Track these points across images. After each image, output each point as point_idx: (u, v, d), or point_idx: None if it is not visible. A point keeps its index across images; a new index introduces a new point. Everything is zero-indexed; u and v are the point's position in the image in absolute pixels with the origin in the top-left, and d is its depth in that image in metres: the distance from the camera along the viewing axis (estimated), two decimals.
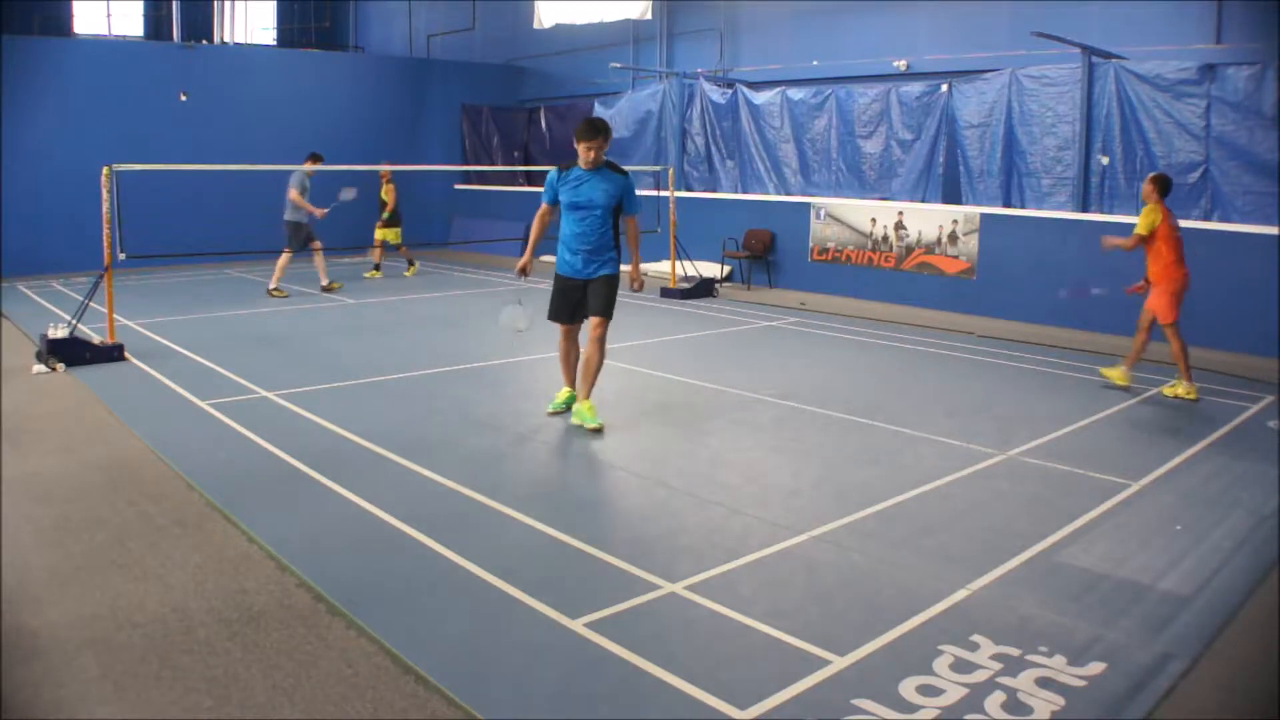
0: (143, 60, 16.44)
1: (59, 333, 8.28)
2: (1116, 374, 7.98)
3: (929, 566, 4.29)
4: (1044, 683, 3.32)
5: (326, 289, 12.98)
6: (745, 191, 14.86)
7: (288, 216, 12.52)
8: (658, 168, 15.05)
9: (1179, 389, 7.66)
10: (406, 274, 14.92)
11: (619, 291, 6.52)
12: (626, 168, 6.72)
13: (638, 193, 6.64)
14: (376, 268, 14.80)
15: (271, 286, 12.53)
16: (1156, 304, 7.72)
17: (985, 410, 7.12)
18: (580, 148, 6.25)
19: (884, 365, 8.76)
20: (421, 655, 3.45)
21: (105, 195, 8.41)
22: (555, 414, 6.75)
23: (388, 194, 14.48)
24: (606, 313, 6.47)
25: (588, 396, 6.51)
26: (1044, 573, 4.24)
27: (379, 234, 14.68)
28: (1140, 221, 7.64)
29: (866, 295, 12.66)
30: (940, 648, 3.53)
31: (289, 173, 12.64)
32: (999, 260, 11.46)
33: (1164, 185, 7.73)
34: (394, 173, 14.65)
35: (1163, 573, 4.27)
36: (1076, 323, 10.56)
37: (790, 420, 6.72)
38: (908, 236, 12.35)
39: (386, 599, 3.93)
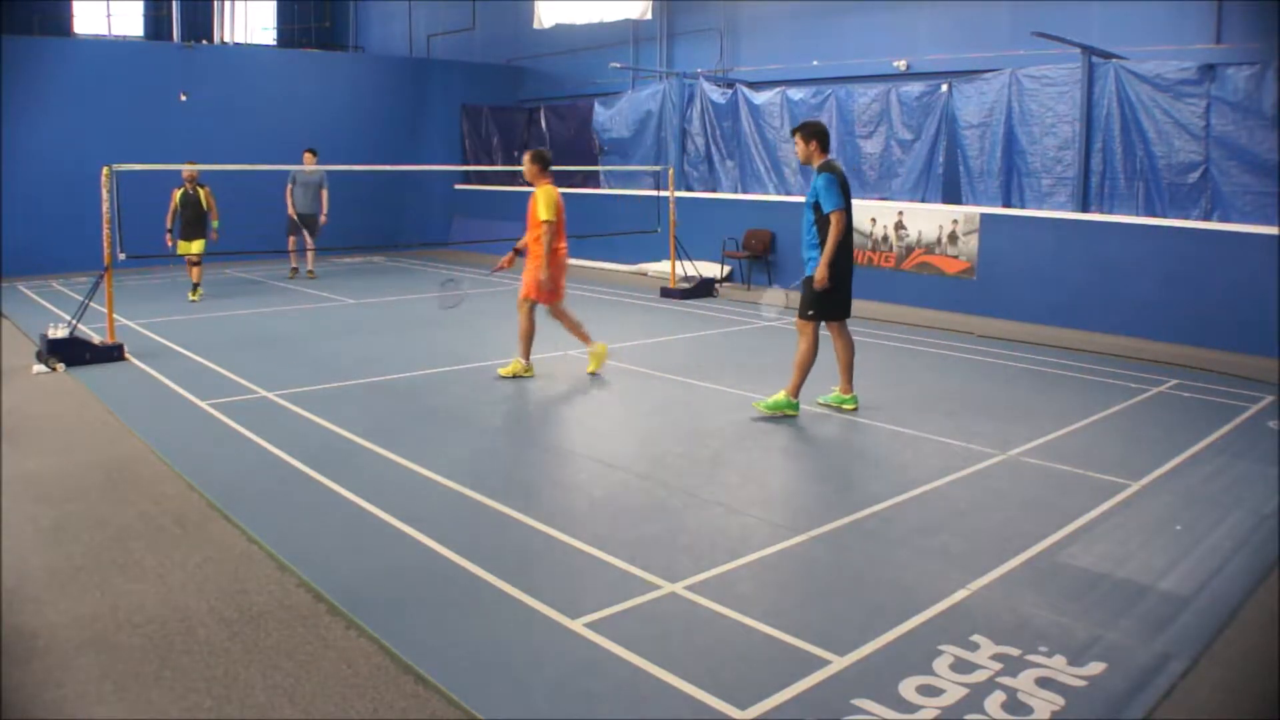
0: (143, 60, 16.43)
1: (59, 333, 8.28)
2: (592, 362, 8.04)
3: (929, 566, 4.29)
4: (1044, 683, 3.32)
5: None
6: (745, 191, 14.86)
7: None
8: (658, 168, 15.05)
9: (514, 367, 7.86)
10: (192, 296, 12.40)
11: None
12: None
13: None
14: (195, 287, 12.49)
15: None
16: (529, 280, 7.78)
17: (985, 410, 7.12)
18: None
19: (884, 365, 8.75)
20: (421, 655, 3.45)
21: (105, 195, 8.41)
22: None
23: (208, 199, 12.15)
24: (800, 312, 6.75)
25: (788, 389, 6.73)
26: (1044, 573, 4.24)
27: (189, 246, 12.15)
28: (543, 206, 7.57)
29: (866, 295, 12.61)
30: (940, 648, 3.53)
31: (285, 172, 12.88)
32: (999, 260, 11.46)
33: (547, 161, 7.79)
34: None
35: (1163, 573, 4.27)
36: (1076, 323, 10.55)
37: (790, 420, 6.71)
38: (908, 236, 12.35)
39: (386, 599, 3.93)
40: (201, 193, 12.14)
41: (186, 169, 11.42)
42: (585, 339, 8.06)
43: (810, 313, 6.66)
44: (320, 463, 5.62)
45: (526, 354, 7.89)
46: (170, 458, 5.72)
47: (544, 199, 7.54)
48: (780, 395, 6.72)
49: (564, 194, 8.04)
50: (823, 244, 6.54)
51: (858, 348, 6.98)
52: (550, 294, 7.77)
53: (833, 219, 6.46)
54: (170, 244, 12.18)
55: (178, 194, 12.06)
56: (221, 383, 7.69)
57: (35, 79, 14.90)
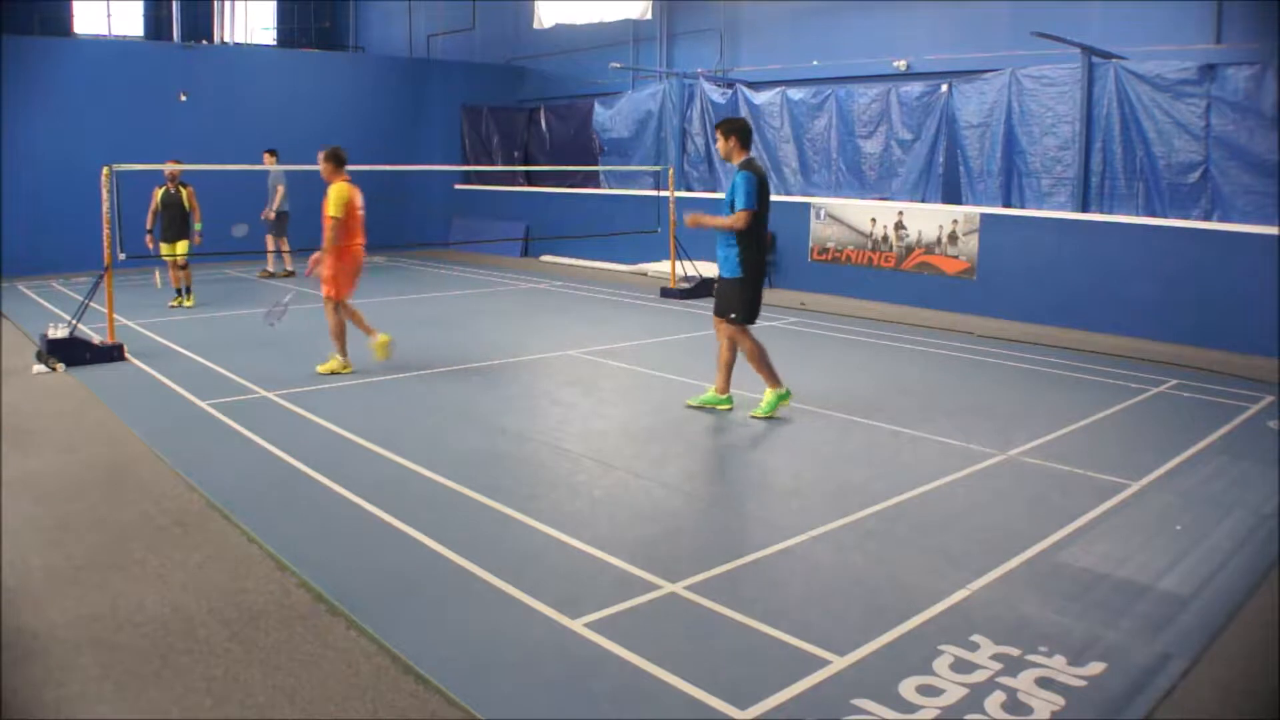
0: (143, 60, 16.43)
1: (59, 333, 8.28)
2: (379, 349, 8.08)
3: (929, 566, 4.29)
4: (1044, 683, 3.32)
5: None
6: None
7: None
8: (658, 168, 15.06)
9: (332, 364, 7.98)
10: (173, 303, 11.78)
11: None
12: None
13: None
14: (180, 293, 11.88)
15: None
16: (324, 278, 7.95)
17: (985, 410, 7.12)
18: None
19: (883, 365, 8.76)
20: (421, 655, 3.45)
21: (105, 195, 8.41)
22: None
23: (190, 199, 11.59)
24: (719, 311, 6.73)
25: (765, 388, 6.75)
26: (1044, 573, 4.24)
27: (173, 248, 11.63)
28: (332, 203, 7.77)
29: (866, 295, 12.66)
30: (940, 648, 3.53)
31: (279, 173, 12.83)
32: (999, 260, 11.46)
33: (340, 160, 7.96)
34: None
35: (1163, 573, 4.27)
36: (1076, 323, 10.56)
37: (790, 420, 6.72)
38: (908, 236, 12.35)
39: (386, 599, 3.93)
40: (184, 192, 11.54)
41: (169, 168, 11.04)
42: (369, 330, 8.14)
43: (732, 315, 6.64)
44: (320, 463, 5.62)
45: (343, 350, 8.04)
46: (170, 458, 5.72)
47: (332, 196, 7.79)
48: (768, 395, 6.73)
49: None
50: (739, 244, 6.51)
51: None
52: (341, 287, 7.96)
53: (737, 214, 6.42)
54: (150, 245, 11.61)
55: (159, 193, 11.56)
56: (221, 383, 7.69)
57: (35, 79, 14.90)
